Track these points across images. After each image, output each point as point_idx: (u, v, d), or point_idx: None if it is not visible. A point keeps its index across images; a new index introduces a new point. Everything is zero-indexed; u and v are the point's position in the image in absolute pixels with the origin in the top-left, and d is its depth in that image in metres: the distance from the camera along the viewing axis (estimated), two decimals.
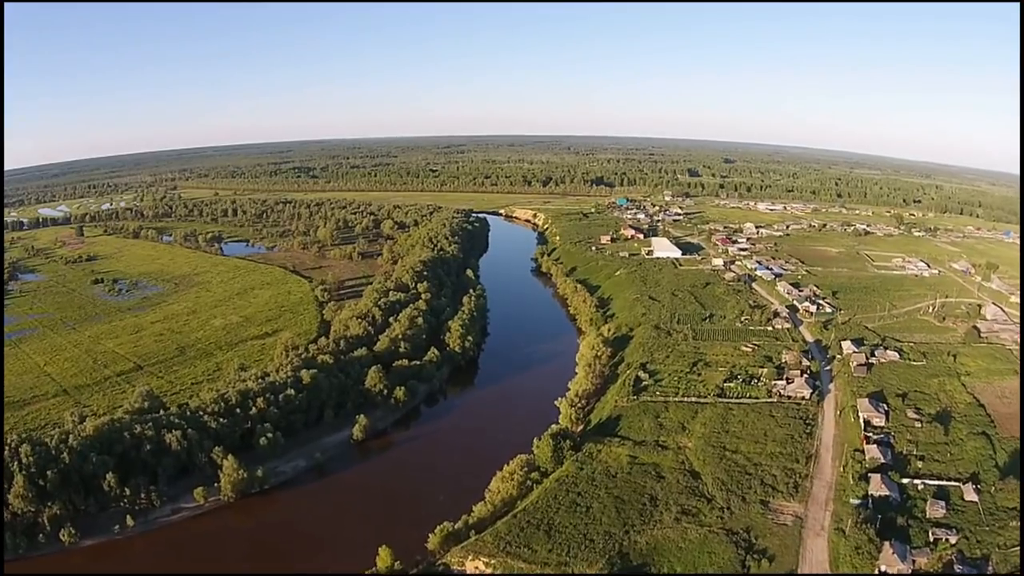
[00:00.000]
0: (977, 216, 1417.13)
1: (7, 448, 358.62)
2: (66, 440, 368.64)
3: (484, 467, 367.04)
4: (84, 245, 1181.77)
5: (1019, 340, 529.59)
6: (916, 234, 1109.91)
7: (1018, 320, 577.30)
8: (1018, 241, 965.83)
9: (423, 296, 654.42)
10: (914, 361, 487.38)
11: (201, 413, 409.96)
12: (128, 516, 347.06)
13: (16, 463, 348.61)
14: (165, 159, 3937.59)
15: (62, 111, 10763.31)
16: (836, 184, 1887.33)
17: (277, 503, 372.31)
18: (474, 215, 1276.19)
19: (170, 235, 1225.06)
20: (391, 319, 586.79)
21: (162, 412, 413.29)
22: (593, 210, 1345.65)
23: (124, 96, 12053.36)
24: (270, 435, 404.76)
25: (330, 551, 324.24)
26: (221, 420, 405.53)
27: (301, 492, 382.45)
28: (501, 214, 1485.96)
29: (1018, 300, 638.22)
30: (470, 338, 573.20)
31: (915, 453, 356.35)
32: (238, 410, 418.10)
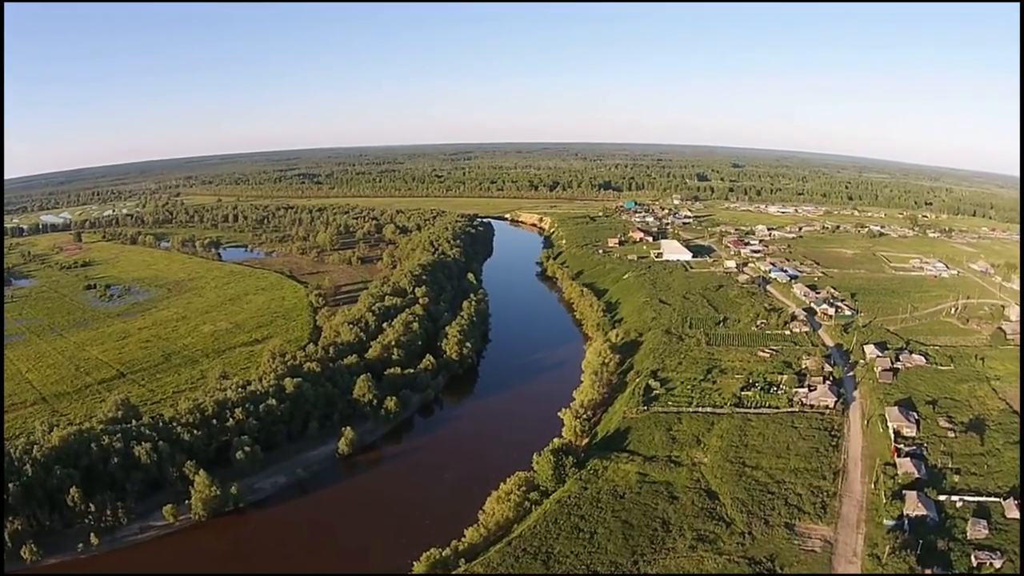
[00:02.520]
0: (990, 218, 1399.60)
1: None
2: (30, 451, 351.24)
3: (479, 485, 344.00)
4: (81, 251, 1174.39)
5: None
6: (931, 235, 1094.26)
7: None
8: None
9: (420, 301, 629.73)
10: (941, 365, 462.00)
11: (174, 424, 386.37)
12: (93, 534, 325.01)
13: None
14: (171, 167, 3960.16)
15: (69, 119, 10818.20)
16: (846, 187, 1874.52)
17: (251, 523, 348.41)
18: (479, 219, 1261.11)
19: (168, 241, 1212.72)
20: (385, 325, 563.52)
21: (133, 423, 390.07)
22: (601, 214, 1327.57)
23: (132, 104, 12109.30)
24: (248, 448, 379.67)
25: None
26: (195, 432, 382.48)
27: (278, 511, 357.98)
28: (507, 219, 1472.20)
29: None
30: (469, 345, 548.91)
31: (950, 466, 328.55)
32: (214, 421, 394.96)
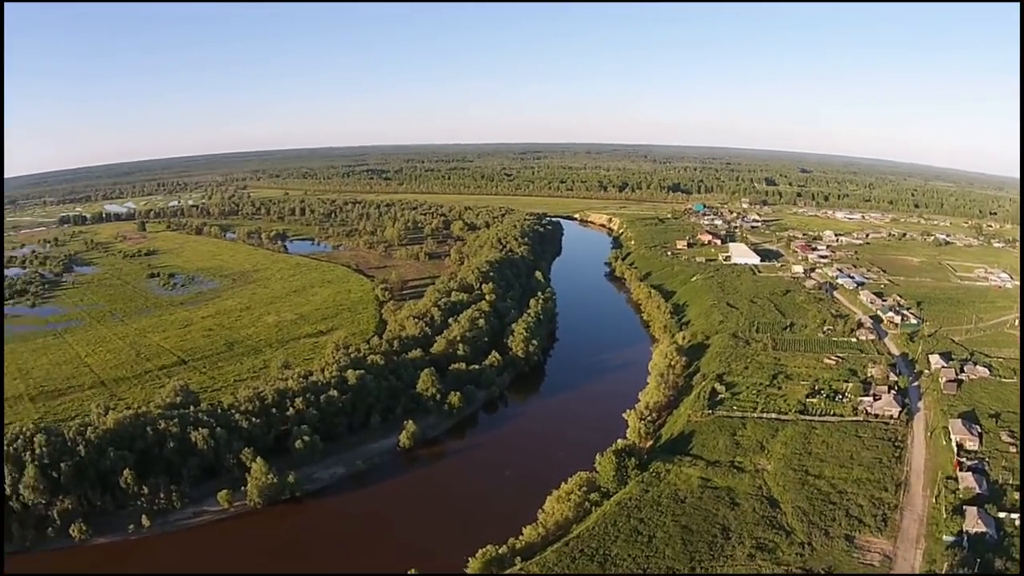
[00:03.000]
0: None
1: (22, 437, 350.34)
2: (84, 432, 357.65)
3: (540, 483, 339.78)
4: (145, 240, 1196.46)
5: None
6: (996, 245, 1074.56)
7: None
8: None
9: (487, 297, 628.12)
10: (1004, 378, 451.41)
11: (233, 411, 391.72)
12: (145, 516, 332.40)
13: (29, 453, 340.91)
14: (237, 160, 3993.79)
15: (135, 110, 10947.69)
16: (912, 195, 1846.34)
17: (307, 512, 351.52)
18: (548, 218, 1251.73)
19: (234, 232, 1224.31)
20: (451, 320, 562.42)
21: (191, 409, 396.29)
22: (669, 216, 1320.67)
23: (200, 98, 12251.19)
24: (307, 438, 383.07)
25: (354, 569, 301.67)
26: (254, 420, 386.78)
27: (335, 502, 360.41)
28: (576, 218, 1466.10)
29: None
30: (535, 342, 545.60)
31: (1011, 483, 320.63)
32: (274, 410, 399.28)
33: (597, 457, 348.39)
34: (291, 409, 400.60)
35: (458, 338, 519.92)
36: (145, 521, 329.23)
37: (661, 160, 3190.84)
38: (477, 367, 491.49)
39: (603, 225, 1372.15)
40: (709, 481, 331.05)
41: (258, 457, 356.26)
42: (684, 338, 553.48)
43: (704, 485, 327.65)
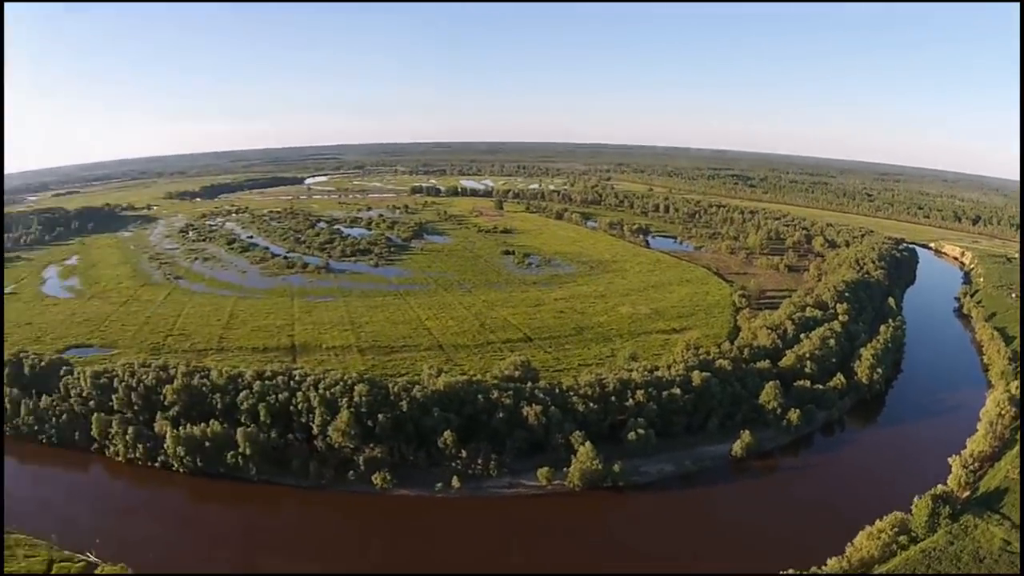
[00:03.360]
0: None
1: (342, 383, 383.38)
2: (410, 389, 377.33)
3: (856, 515, 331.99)
4: (502, 218, 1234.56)
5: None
6: None
7: None
8: None
9: (840, 317, 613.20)
10: None
11: (571, 393, 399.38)
12: (456, 477, 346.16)
13: (347, 399, 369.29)
14: (602, 152, 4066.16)
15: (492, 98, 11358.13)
16: None
17: (624, 504, 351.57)
18: (904, 244, 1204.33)
19: (595, 221, 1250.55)
20: (802, 335, 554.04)
21: (528, 384, 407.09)
22: (1016, 255, 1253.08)
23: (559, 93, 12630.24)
24: (642, 431, 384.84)
25: (644, 567, 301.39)
26: (591, 404, 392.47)
27: (655, 499, 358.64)
28: (931, 248, 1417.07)
29: None
30: (880, 370, 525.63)
31: None
32: (613, 398, 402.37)
33: (915, 500, 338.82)
34: (631, 400, 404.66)
35: (807, 355, 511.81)
36: (456, 482, 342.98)
37: (1012, 194, 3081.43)
38: (821, 387, 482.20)
39: (955, 258, 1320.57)
40: (1009, 544, 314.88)
41: (587, 441, 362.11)
42: (1017, 388, 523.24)
43: (1004, 548, 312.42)
